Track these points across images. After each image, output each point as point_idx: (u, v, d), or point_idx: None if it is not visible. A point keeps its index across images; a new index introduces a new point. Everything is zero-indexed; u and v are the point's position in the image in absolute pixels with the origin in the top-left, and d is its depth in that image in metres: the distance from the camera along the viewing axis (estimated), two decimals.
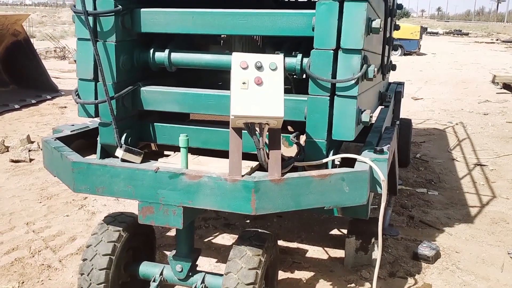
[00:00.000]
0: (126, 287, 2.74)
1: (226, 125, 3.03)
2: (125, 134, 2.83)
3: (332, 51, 2.45)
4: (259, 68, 2.17)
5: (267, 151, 2.27)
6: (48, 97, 9.17)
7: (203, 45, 3.39)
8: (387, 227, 3.88)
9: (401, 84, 5.53)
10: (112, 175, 2.41)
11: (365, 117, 2.60)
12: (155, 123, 2.97)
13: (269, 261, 2.53)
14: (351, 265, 3.32)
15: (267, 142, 2.30)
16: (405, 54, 21.94)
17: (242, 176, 2.24)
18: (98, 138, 2.99)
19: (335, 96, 2.51)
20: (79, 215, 4.07)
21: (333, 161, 2.61)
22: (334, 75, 2.48)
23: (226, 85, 3.27)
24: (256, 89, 2.14)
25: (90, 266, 2.55)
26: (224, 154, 2.88)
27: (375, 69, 2.56)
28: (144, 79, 2.94)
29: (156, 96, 2.86)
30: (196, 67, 2.97)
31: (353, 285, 3.07)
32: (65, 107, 8.62)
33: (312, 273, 3.22)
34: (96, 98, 2.82)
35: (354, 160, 2.60)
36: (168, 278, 2.68)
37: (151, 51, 2.90)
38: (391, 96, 4.78)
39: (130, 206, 4.29)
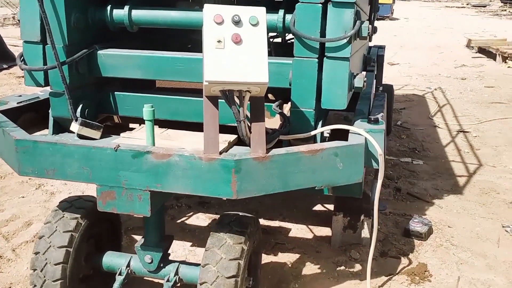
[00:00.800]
0: (89, 282, 2.39)
1: (199, 93, 2.65)
2: (81, 105, 2.45)
3: (320, 5, 2.09)
4: (237, 23, 1.79)
5: (249, 124, 1.92)
6: (5, 66, 8.56)
7: (169, 0, 2.97)
8: None
9: (382, 47, 5.21)
10: (64, 155, 2.02)
11: (358, 82, 2.26)
12: (116, 92, 2.58)
13: (252, 249, 2.22)
14: (339, 244, 3.04)
15: (248, 113, 1.95)
16: (377, 19, 21.58)
17: (220, 153, 1.89)
18: (50, 111, 2.59)
19: (325, 58, 2.16)
20: (36, 196, 3.66)
21: (321, 133, 2.29)
22: (323, 34, 2.13)
23: (197, 48, 2.89)
24: (235, 48, 1.77)
25: (43, 260, 2.18)
26: (197, 126, 2.53)
27: (369, 26, 2.21)
28: (102, 42, 2.53)
29: (116, 61, 2.46)
30: (161, 26, 2.58)
31: (342, 267, 2.80)
32: (23, 76, 8.01)
33: (297, 255, 2.94)
34: (45, 63, 2.41)
35: (344, 132, 2.28)
36: (136, 270, 2.33)
37: (109, 7, 2.49)
38: (375, 60, 4.47)
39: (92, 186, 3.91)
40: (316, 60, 2.16)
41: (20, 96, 2.77)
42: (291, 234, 3.22)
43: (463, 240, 3.17)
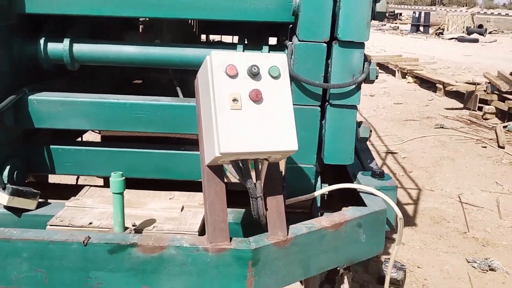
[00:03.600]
0: None
1: (158, 143, 2.22)
2: (8, 167, 1.88)
3: (325, 44, 1.75)
4: (255, 75, 1.37)
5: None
6: None
7: (114, 32, 2.45)
8: None
9: None
10: (7, 255, 1.45)
11: (363, 132, 1.95)
12: (51, 146, 2.02)
13: None
14: None
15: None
16: None
17: (230, 241, 1.45)
18: None
19: (328, 106, 1.83)
20: None
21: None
22: (326, 78, 1.80)
23: (151, 89, 2.43)
24: (254, 108, 1.35)
25: None
26: (153, 184, 2.08)
27: (377, 68, 1.92)
28: (31, 83, 1.97)
29: (54, 109, 1.91)
30: (112, 64, 2.07)
31: None
32: None
33: None
34: None
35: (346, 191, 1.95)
36: None
37: (41, 41, 1.93)
38: None
39: None
40: (319, 108, 1.81)
41: None
42: None
43: (436, 282, 3.01)
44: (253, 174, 1.44)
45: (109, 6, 1.82)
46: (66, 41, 1.93)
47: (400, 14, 38.60)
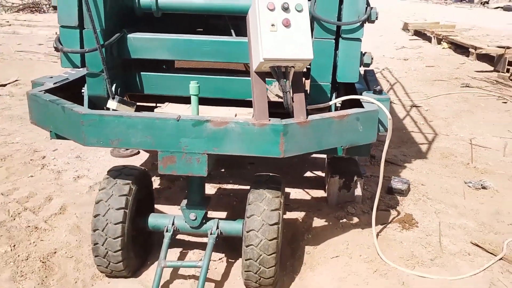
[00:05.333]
0: (135, 241, 2.69)
1: (217, 72, 3.00)
2: (114, 85, 2.71)
3: None
4: (286, 9, 2.16)
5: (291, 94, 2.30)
6: None
7: None
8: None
9: None
10: (129, 126, 2.31)
11: (367, 59, 2.71)
12: (142, 73, 2.86)
13: (284, 201, 2.61)
14: (336, 203, 3.50)
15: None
16: None
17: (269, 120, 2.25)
18: (85, 89, 2.84)
19: (340, 39, 2.57)
20: (44, 174, 3.84)
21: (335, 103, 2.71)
22: (339, 18, 2.54)
23: (212, 31, 3.20)
24: (285, 31, 2.14)
25: (104, 221, 2.47)
26: (217, 102, 2.87)
27: (377, 11, 2.64)
28: (127, 26, 2.80)
29: (146, 43, 2.75)
30: (185, 12, 2.87)
31: (344, 220, 3.25)
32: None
33: (303, 213, 3.36)
34: (81, 47, 2.65)
35: (351, 102, 2.71)
36: (180, 227, 2.67)
37: None
38: None
39: (95, 163, 4.13)
40: (333, 40, 2.56)
41: (51, 77, 2.97)
42: (292, 197, 3.64)
43: (435, 195, 3.72)
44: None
45: None
46: None
47: None
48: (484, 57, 9.21)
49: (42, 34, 10.78)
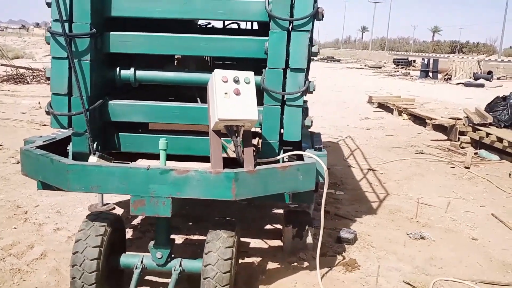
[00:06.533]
0: (108, 278, 3.06)
1: (184, 133, 3.52)
2: (95, 143, 3.19)
3: (282, 70, 3.08)
4: (237, 81, 2.72)
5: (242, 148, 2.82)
6: None
7: (159, 64, 3.85)
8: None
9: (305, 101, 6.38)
10: (107, 174, 2.77)
11: (307, 121, 3.27)
12: (119, 133, 3.36)
13: (238, 242, 3.05)
14: (290, 250, 3.93)
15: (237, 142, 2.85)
16: None
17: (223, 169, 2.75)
18: (70, 147, 3.31)
19: (285, 106, 3.14)
20: (27, 226, 4.20)
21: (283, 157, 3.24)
22: (284, 89, 3.12)
23: (180, 98, 3.75)
24: (236, 98, 2.69)
25: (81, 257, 2.85)
26: (184, 158, 3.36)
27: (314, 84, 3.24)
28: (109, 94, 3.33)
29: (125, 108, 3.27)
30: (158, 83, 3.44)
31: (295, 264, 3.67)
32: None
33: (259, 258, 3.78)
34: (69, 110, 3.15)
35: (297, 156, 3.25)
36: (148, 265, 3.06)
37: (117, 69, 3.31)
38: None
39: (74, 217, 4.51)
40: (279, 107, 3.13)
41: (41, 137, 3.44)
42: (251, 246, 4.06)
43: (379, 244, 4.19)
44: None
45: (158, 48, 3.19)
46: (132, 69, 3.31)
47: (414, 61, 40.17)
48: (439, 127, 10.02)
49: (26, 103, 11.31)
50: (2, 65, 17.32)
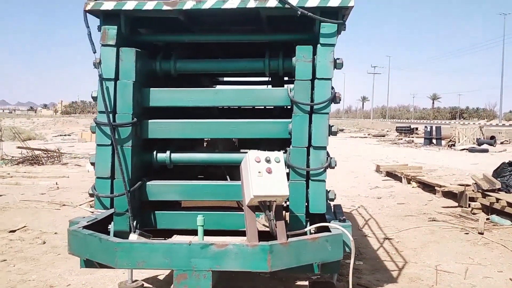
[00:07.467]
0: None
1: (215, 209, 3.77)
2: (135, 222, 3.45)
3: (305, 148, 3.39)
4: (268, 161, 3.02)
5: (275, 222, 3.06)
6: None
7: (190, 145, 4.18)
8: None
9: None
10: (151, 250, 3.01)
11: (331, 195, 3.53)
12: (155, 211, 3.63)
13: None
14: None
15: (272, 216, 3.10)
16: None
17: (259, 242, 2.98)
18: (111, 226, 3.56)
19: (310, 181, 3.41)
20: None
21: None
22: (308, 165, 3.41)
23: (211, 176, 4.03)
24: (268, 176, 2.98)
25: None
26: (214, 233, 3.60)
27: (336, 160, 3.54)
28: (147, 176, 3.63)
29: (161, 188, 3.56)
30: (190, 164, 3.75)
31: None
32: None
33: None
34: (111, 192, 3.43)
35: (323, 227, 3.48)
36: None
37: (154, 152, 3.63)
38: None
39: None
40: (305, 182, 3.40)
41: (84, 217, 3.71)
42: None
43: None
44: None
45: (192, 133, 3.53)
46: (168, 152, 3.63)
47: (416, 128, 40.90)
48: (449, 194, 10.21)
49: (43, 184, 11.64)
50: (18, 147, 17.87)
